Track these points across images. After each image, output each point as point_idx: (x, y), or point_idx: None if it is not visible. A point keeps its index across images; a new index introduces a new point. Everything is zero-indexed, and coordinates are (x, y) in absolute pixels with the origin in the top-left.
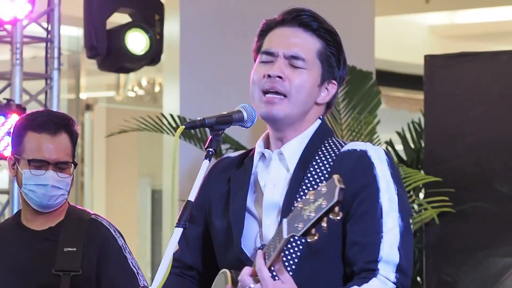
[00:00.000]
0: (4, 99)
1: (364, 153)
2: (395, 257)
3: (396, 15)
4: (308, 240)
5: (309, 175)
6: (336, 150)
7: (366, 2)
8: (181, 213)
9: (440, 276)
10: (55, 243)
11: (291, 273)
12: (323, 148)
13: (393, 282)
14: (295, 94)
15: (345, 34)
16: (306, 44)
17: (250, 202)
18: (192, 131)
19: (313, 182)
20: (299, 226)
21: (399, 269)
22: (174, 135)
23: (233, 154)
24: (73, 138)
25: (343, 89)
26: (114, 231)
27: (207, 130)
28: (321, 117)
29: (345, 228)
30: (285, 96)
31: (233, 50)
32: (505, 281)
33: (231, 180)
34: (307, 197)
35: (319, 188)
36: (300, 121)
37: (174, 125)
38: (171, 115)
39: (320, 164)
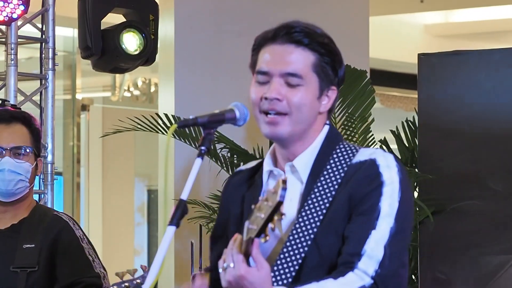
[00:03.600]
0: None
1: (373, 162)
2: (378, 253)
3: (391, 14)
4: (262, 241)
5: (319, 184)
6: (347, 160)
7: (361, 2)
8: (173, 212)
9: (435, 274)
10: (16, 240)
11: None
12: (335, 156)
13: (371, 277)
14: (296, 112)
15: (339, 33)
16: (300, 60)
17: None
18: (187, 130)
19: (322, 192)
20: (254, 227)
21: (381, 265)
22: None
23: (245, 167)
24: (33, 130)
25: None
26: (73, 224)
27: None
28: (327, 122)
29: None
30: (286, 114)
31: (228, 50)
32: (499, 279)
33: (244, 200)
34: (263, 197)
35: (270, 188)
36: (306, 135)
37: (169, 125)
38: (166, 115)
39: (332, 174)
